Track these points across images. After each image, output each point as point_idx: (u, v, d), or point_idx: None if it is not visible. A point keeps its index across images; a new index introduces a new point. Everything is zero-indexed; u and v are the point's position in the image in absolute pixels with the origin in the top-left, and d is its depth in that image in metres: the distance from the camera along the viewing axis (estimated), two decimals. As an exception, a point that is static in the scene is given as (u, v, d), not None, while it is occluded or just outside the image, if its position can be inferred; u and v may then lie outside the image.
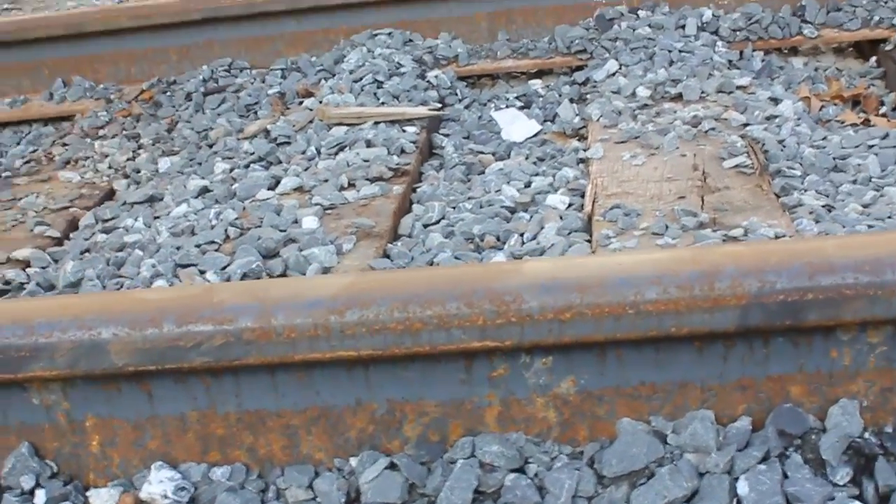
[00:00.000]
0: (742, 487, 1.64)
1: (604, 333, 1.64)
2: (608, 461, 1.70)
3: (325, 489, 1.75)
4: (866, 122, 3.13)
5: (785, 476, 1.65)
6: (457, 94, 3.80)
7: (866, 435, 1.67)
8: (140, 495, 1.76)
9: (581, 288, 1.63)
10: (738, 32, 3.87)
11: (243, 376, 1.75)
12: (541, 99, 3.76)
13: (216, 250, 2.62)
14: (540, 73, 4.04)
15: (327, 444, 1.79)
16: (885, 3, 3.88)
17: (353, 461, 1.77)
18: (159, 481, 1.76)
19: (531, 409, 1.75)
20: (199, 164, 3.42)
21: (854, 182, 2.66)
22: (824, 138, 2.95)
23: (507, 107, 3.69)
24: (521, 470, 1.73)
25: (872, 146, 2.86)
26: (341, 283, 1.71)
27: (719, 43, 3.76)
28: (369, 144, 3.21)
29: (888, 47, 3.73)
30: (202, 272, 2.49)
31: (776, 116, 3.08)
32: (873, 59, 3.81)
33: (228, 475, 1.79)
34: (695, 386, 1.72)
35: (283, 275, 2.46)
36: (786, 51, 3.96)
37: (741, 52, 3.73)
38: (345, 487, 1.75)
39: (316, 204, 2.83)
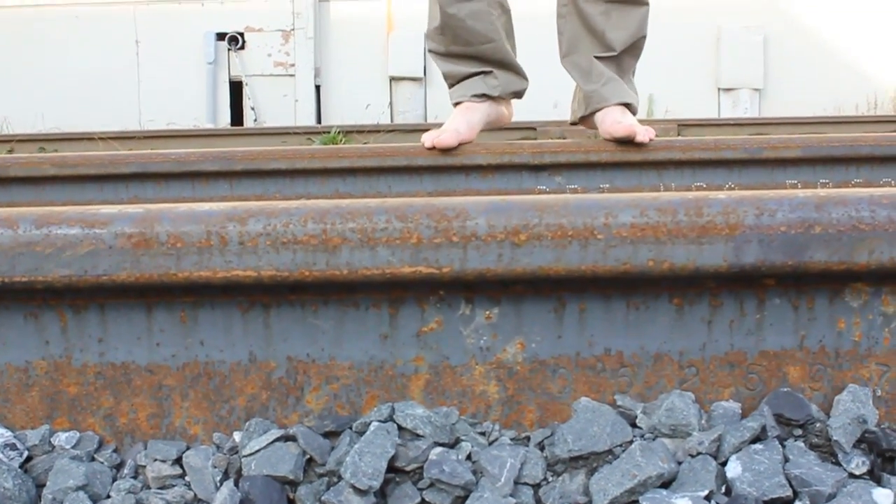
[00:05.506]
0: (734, 468, 1.28)
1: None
2: (561, 440, 1.34)
3: (197, 464, 1.35)
4: None
5: (786, 459, 1.30)
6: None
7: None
8: (-47, 456, 1.35)
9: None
10: None
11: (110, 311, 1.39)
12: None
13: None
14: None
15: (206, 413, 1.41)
16: None
17: (237, 435, 1.38)
18: (-18, 438, 1.36)
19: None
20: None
21: None
22: None
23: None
24: (451, 446, 1.36)
25: None
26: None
27: None
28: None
29: None
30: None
31: None
32: None
33: (75, 442, 1.39)
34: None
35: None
36: None
37: None
38: (223, 465, 1.36)
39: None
